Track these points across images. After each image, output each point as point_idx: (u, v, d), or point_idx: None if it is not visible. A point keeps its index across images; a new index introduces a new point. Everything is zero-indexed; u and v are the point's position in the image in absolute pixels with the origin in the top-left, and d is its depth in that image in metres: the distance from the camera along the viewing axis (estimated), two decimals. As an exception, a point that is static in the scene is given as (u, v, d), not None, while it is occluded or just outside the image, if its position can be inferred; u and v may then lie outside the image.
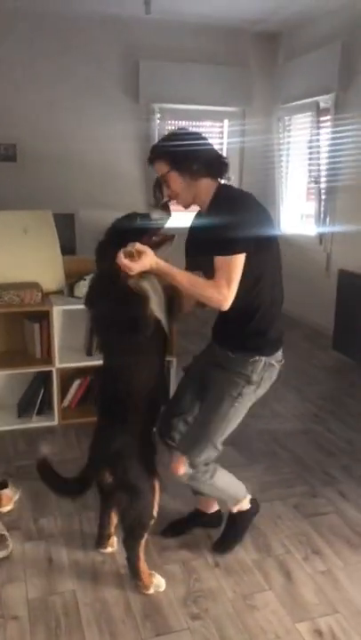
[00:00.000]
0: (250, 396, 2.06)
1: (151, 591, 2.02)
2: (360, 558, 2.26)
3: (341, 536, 2.39)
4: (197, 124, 6.01)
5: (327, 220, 5.28)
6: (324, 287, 5.26)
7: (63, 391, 3.38)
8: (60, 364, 3.25)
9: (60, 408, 3.34)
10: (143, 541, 2.02)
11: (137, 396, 1.96)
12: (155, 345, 1.98)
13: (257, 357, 2.01)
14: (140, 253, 1.78)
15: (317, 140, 5.29)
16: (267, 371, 2.05)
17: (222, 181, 2.02)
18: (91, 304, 2.05)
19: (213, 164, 1.97)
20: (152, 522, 2.01)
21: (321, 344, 4.98)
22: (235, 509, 2.28)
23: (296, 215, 5.99)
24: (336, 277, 4.64)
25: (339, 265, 4.77)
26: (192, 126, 6.01)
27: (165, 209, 1.96)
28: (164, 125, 5.82)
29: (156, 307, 1.92)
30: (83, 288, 3.28)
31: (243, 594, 2.05)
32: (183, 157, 1.92)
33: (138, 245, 1.79)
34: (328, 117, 5.11)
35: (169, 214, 1.97)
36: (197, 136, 2.00)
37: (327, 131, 5.14)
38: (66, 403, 3.43)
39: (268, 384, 2.10)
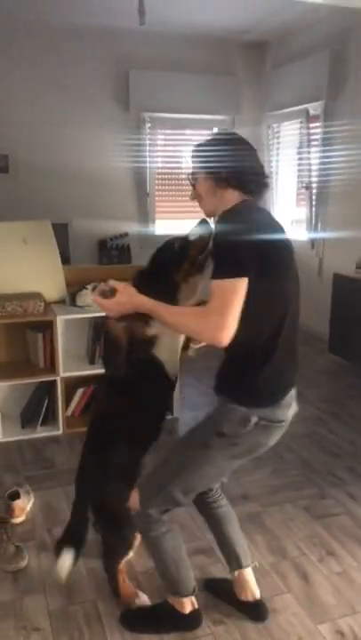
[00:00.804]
0: (222, 452, 1.70)
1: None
2: (374, 558, 2.29)
3: (353, 536, 2.42)
4: (187, 132, 6.06)
5: (319, 225, 5.35)
6: (317, 292, 5.31)
7: (67, 400, 3.37)
8: (63, 372, 3.24)
9: (64, 417, 3.33)
10: (121, 566, 1.99)
11: (130, 443, 1.87)
12: (152, 389, 1.85)
13: (234, 406, 1.65)
14: (114, 291, 1.62)
15: (308, 147, 5.36)
16: (248, 427, 1.64)
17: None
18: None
19: (249, 178, 1.72)
20: (131, 552, 1.97)
21: (317, 348, 5.03)
22: (170, 600, 1.91)
23: (287, 220, 6.06)
24: (329, 282, 4.70)
25: (331, 269, 4.83)
26: (182, 135, 6.06)
27: (204, 222, 1.80)
28: (154, 134, 5.86)
29: (165, 349, 1.80)
30: (85, 297, 3.29)
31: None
32: (224, 161, 1.72)
33: (112, 282, 1.66)
34: (318, 124, 5.19)
35: (209, 228, 1.77)
36: (242, 144, 1.78)
37: (317, 137, 5.22)
38: (69, 412, 3.42)
39: (257, 446, 1.74)
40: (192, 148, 1.80)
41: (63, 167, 5.52)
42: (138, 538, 1.95)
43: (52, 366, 3.27)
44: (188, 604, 1.90)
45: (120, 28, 5.19)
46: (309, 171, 5.38)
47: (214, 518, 2.02)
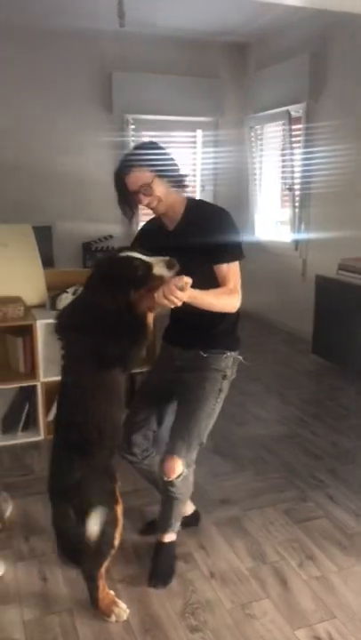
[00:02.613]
0: (225, 391, 2.16)
1: (112, 619, 1.97)
2: (353, 561, 2.29)
3: (333, 540, 2.42)
4: (171, 134, 6.04)
5: (302, 226, 5.36)
6: (300, 292, 5.33)
7: (48, 405, 3.34)
8: (44, 377, 3.22)
9: (45, 423, 3.30)
10: (103, 570, 1.97)
11: (102, 428, 1.89)
12: (124, 380, 1.96)
13: (228, 354, 2.13)
14: (187, 285, 1.76)
15: (290, 148, 5.37)
16: (235, 365, 2.18)
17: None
18: (66, 332, 1.92)
19: (182, 176, 2.08)
20: (113, 551, 1.95)
21: (300, 348, 5.04)
22: (168, 538, 2.23)
23: (271, 222, 6.07)
24: (313, 283, 4.70)
25: (314, 270, 4.84)
26: (165, 136, 6.04)
27: (171, 266, 1.83)
28: (138, 136, 5.84)
29: None
30: (65, 301, 3.26)
31: (240, 603, 2.06)
32: (166, 165, 2.02)
33: (186, 278, 1.75)
34: (300, 126, 5.20)
35: (174, 269, 1.83)
36: (164, 148, 2.09)
37: (299, 139, 5.23)
38: (51, 417, 3.38)
39: (232, 378, 2.21)
40: (131, 156, 2.02)
41: (47, 170, 5.48)
42: (118, 537, 1.94)
43: (32, 371, 3.24)
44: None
45: (101, 31, 5.16)
46: (292, 172, 5.39)
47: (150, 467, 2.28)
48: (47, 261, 4.30)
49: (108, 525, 1.90)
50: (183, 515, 2.30)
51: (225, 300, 1.99)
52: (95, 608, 1.98)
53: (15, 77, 5.29)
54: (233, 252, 2.04)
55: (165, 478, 2.06)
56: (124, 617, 1.98)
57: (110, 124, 5.66)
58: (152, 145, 2.08)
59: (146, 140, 2.19)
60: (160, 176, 2.01)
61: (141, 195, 2.00)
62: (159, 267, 1.81)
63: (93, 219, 5.64)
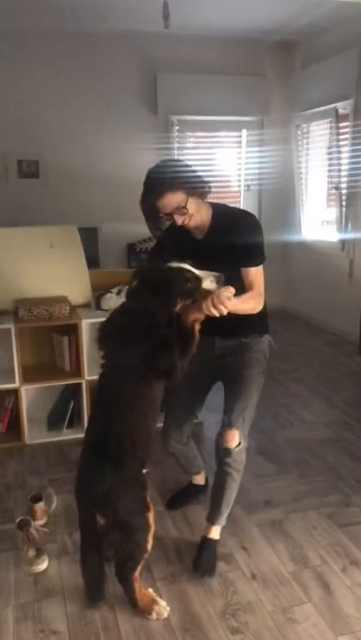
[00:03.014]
0: (265, 372, 2.34)
1: (153, 617, 1.98)
2: None
3: (379, 546, 2.36)
4: (215, 134, 6.04)
5: (349, 225, 5.25)
6: (347, 293, 5.22)
7: (92, 403, 3.39)
8: (88, 376, 3.27)
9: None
10: (137, 573, 1.97)
11: (136, 439, 1.91)
12: (161, 392, 1.97)
13: (265, 336, 2.33)
14: (232, 294, 1.84)
15: (337, 147, 5.27)
16: (268, 347, 2.35)
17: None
18: (108, 342, 1.93)
19: (207, 186, 2.11)
20: (146, 556, 1.96)
21: (346, 350, 4.94)
22: (214, 534, 2.31)
23: (317, 221, 5.97)
24: (360, 283, 4.60)
25: (363, 271, 4.74)
26: (210, 137, 6.04)
27: (219, 281, 1.90)
28: (183, 137, 5.86)
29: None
30: (110, 301, 3.31)
31: (282, 607, 2.04)
32: (195, 181, 2.06)
33: (231, 288, 1.84)
34: (347, 123, 5.09)
35: (220, 284, 1.90)
36: (186, 163, 2.15)
37: (347, 137, 5.13)
38: (95, 415, 3.44)
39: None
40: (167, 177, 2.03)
41: (92, 171, 5.57)
42: (150, 541, 1.95)
43: (77, 369, 3.30)
44: None
45: (146, 32, 5.20)
46: (339, 171, 5.29)
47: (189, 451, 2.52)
48: (93, 262, 4.37)
49: (140, 531, 1.91)
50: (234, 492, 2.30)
51: (252, 304, 2.09)
52: (134, 607, 2.00)
53: (61, 80, 5.40)
54: (260, 255, 2.14)
55: (225, 446, 2.17)
56: (165, 614, 1.99)
57: (155, 126, 5.70)
58: (177, 163, 2.15)
59: (166, 159, 2.23)
60: (193, 193, 2.03)
61: (176, 215, 2.03)
62: (208, 281, 1.87)
63: (138, 220, 5.61)
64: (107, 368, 1.96)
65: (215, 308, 1.80)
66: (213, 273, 1.89)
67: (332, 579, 2.18)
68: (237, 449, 2.18)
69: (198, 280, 1.87)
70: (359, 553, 2.32)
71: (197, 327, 1.93)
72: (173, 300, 1.83)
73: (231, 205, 2.26)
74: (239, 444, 2.18)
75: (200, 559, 2.23)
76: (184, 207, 2.01)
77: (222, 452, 2.19)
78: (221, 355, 2.29)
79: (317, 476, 2.94)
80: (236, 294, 1.89)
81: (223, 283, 1.89)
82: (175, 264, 1.88)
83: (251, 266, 2.11)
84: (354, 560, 2.28)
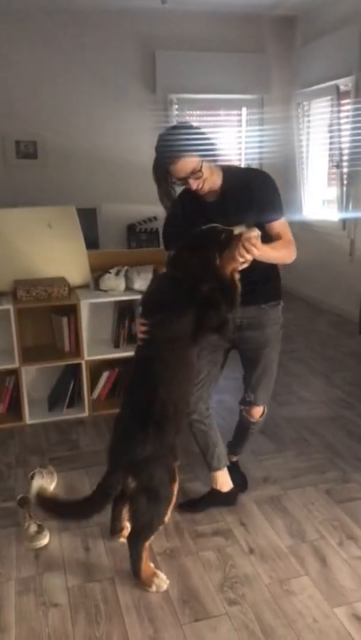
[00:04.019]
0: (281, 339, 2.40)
1: (153, 590, 2.01)
2: (395, 543, 2.26)
3: (375, 521, 2.39)
4: (215, 112, 5.98)
5: (350, 205, 5.22)
6: (348, 273, 5.21)
7: (92, 383, 3.42)
8: (88, 356, 3.28)
9: (90, 400, 3.38)
10: (148, 543, 2.02)
11: (178, 405, 1.96)
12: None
13: (278, 303, 2.32)
14: (258, 236, 1.88)
15: (338, 124, 5.22)
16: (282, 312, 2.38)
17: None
18: (153, 312, 1.98)
19: (218, 151, 2.09)
20: (161, 527, 2.01)
21: (347, 330, 4.94)
22: (236, 458, 2.67)
23: (318, 201, 5.94)
24: (361, 262, 4.59)
25: (363, 250, 4.72)
26: (210, 115, 5.98)
27: (250, 226, 1.93)
28: (182, 116, 5.80)
29: None
30: (108, 282, 3.31)
31: (279, 579, 2.07)
32: (209, 146, 2.03)
33: (256, 229, 1.87)
34: (348, 100, 5.04)
35: (250, 225, 1.93)
36: (198, 126, 2.11)
37: (348, 114, 5.07)
38: (95, 395, 3.47)
39: None
40: (182, 142, 2.01)
41: (91, 152, 5.54)
42: (169, 513, 1.99)
43: (77, 350, 3.32)
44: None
45: (144, 8, 5.14)
46: (340, 149, 5.24)
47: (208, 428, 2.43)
48: (92, 243, 4.36)
49: (165, 501, 1.95)
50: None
51: (284, 252, 2.09)
52: (137, 578, 2.04)
53: (58, 60, 5.35)
54: (280, 208, 2.13)
55: (252, 420, 2.47)
56: (164, 587, 2.02)
57: (154, 105, 5.66)
58: (189, 127, 2.08)
59: (178, 122, 2.23)
60: (208, 159, 2.02)
61: (191, 180, 2.02)
62: (239, 228, 1.90)
63: (137, 200, 5.66)
64: (149, 340, 1.97)
65: (247, 250, 1.84)
66: (242, 224, 1.92)
67: (329, 552, 2.21)
68: (262, 418, 2.47)
69: (229, 230, 1.90)
70: (356, 527, 2.35)
71: (237, 277, 1.94)
72: (213, 254, 1.88)
73: (242, 167, 2.26)
74: (263, 413, 2.44)
75: (237, 479, 2.54)
76: (199, 171, 2.00)
77: (248, 424, 2.49)
78: (241, 325, 2.27)
79: (316, 453, 2.96)
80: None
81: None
82: (204, 227, 1.94)
83: (273, 220, 2.10)
84: (350, 534, 2.31)
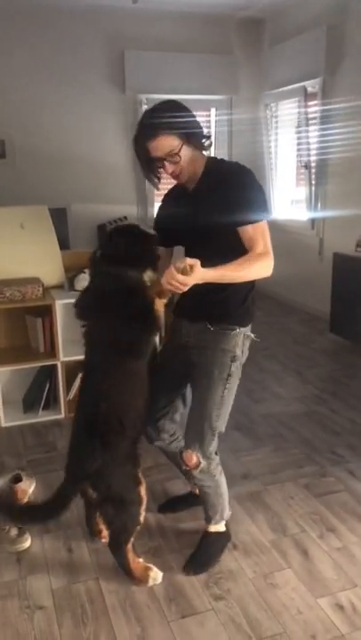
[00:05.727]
0: (237, 374, 1.97)
1: (151, 584, 2.02)
2: (374, 533, 2.31)
3: (354, 513, 2.44)
4: (185, 113, 5.99)
5: (318, 204, 5.31)
6: (317, 271, 5.30)
7: (68, 384, 3.39)
8: (64, 357, 3.25)
9: (65, 401, 3.35)
10: (129, 545, 2.00)
11: (125, 418, 1.87)
12: (148, 365, 1.93)
13: (237, 330, 1.91)
14: (192, 267, 1.62)
15: (306, 125, 5.30)
16: (245, 344, 1.96)
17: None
18: (87, 317, 1.90)
19: (207, 138, 1.88)
20: (138, 528, 1.98)
21: (318, 327, 5.03)
22: (213, 528, 2.19)
23: (287, 201, 6.02)
24: (330, 261, 4.67)
25: (331, 249, 4.81)
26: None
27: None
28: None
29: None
30: (83, 281, 3.28)
31: (263, 573, 2.09)
32: (194, 128, 1.82)
33: (188, 260, 1.63)
34: (316, 102, 5.13)
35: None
36: (188, 108, 1.86)
37: (315, 115, 5.16)
38: (71, 396, 3.43)
39: (245, 359, 2.01)
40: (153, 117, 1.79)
41: (60, 151, 5.49)
42: (143, 514, 1.97)
43: (52, 351, 3.28)
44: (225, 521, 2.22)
45: (113, 7, 5.12)
46: (308, 149, 5.33)
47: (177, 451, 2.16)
48: (62, 243, 4.29)
49: (133, 505, 1.93)
50: (215, 504, 2.15)
51: (256, 266, 1.76)
52: (132, 578, 2.02)
53: (26, 58, 5.27)
54: (256, 211, 1.79)
55: (183, 467, 2.02)
56: (160, 579, 2.03)
57: (123, 105, 5.64)
58: (176, 105, 1.83)
59: (168, 98, 1.91)
60: (189, 141, 1.80)
61: (166, 162, 1.81)
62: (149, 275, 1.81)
63: (108, 200, 5.65)
64: (88, 342, 1.93)
65: (169, 284, 1.63)
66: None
67: (310, 545, 2.25)
68: (197, 471, 1.99)
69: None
70: (335, 520, 2.40)
71: (159, 302, 1.82)
72: (142, 268, 1.82)
73: (229, 160, 1.98)
74: (199, 464, 1.97)
75: (194, 554, 2.14)
76: (177, 154, 1.78)
77: (184, 472, 2.07)
78: (187, 345, 1.99)
79: (293, 448, 3.00)
80: (231, 254, 1.73)
81: (219, 241, 1.77)
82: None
83: (245, 224, 1.78)
84: (330, 527, 2.35)
